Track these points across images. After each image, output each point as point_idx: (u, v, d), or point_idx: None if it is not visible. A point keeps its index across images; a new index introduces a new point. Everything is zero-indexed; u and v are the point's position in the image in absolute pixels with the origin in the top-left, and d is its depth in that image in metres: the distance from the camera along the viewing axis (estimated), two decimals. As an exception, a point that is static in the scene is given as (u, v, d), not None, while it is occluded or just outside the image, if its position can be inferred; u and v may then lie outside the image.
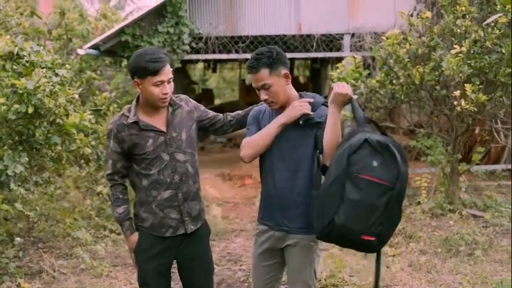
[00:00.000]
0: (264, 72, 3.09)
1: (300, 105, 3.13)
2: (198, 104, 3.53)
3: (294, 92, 3.23)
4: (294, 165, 3.16)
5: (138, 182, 3.32)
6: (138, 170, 3.30)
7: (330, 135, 2.95)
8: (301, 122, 3.11)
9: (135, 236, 3.35)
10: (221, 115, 3.58)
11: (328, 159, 2.90)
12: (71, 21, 9.96)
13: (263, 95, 3.14)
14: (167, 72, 3.18)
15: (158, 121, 3.30)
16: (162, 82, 3.16)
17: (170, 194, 3.29)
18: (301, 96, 3.24)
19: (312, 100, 3.17)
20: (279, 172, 3.20)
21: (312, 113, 3.12)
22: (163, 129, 3.28)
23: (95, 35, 10.41)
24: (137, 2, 24.18)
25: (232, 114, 3.62)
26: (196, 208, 3.40)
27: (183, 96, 3.48)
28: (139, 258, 3.36)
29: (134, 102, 3.32)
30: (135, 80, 3.20)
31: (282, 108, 3.20)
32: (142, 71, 3.13)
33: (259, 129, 3.26)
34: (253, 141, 3.20)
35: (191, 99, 3.51)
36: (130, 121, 3.25)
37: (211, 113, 3.55)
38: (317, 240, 3.17)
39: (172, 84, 3.24)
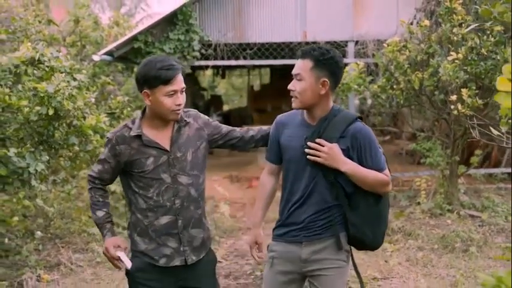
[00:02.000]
0: (307, 63, 2.88)
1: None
2: (209, 120, 3.16)
3: (330, 105, 2.98)
4: None
5: (135, 202, 2.97)
6: (135, 189, 2.96)
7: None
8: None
9: (116, 238, 3.01)
10: (238, 129, 3.20)
11: None
12: (85, 28, 10.35)
13: (291, 85, 2.93)
14: (180, 81, 2.86)
15: (163, 138, 2.95)
16: (175, 92, 2.83)
17: (169, 220, 2.94)
18: (332, 110, 2.98)
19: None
20: None
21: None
22: (167, 147, 2.93)
23: (107, 42, 10.79)
24: (147, 9, 24.66)
25: (255, 128, 3.26)
26: (199, 237, 3.03)
27: (192, 112, 3.12)
28: (134, 280, 3.01)
29: (139, 115, 2.99)
30: (144, 90, 2.86)
31: (307, 109, 2.98)
32: (153, 79, 2.81)
33: (278, 148, 3.09)
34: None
35: (201, 115, 3.14)
36: (133, 134, 2.91)
37: (225, 128, 3.16)
38: (348, 260, 3.05)
39: (184, 94, 2.92)
